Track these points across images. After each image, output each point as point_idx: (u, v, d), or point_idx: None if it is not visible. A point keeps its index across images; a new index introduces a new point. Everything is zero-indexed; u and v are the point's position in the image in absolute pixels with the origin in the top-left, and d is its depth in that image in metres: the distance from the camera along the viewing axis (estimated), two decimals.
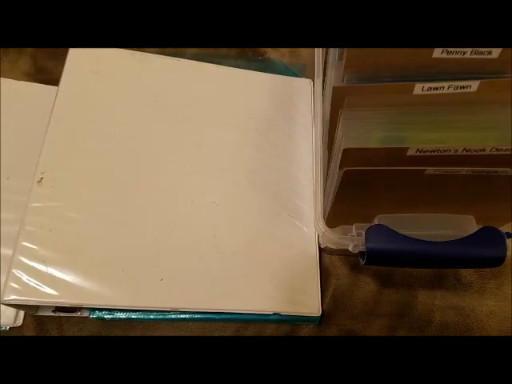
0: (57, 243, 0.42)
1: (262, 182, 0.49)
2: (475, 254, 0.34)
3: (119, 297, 0.41)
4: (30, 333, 0.45)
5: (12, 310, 0.45)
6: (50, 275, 0.41)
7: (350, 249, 0.36)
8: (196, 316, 0.45)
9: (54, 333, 0.46)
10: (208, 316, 0.45)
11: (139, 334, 0.46)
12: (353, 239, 0.35)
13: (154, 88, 0.51)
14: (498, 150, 0.28)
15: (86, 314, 0.46)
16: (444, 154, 0.28)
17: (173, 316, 0.45)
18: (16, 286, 0.40)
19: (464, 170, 0.28)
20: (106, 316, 0.45)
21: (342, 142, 0.29)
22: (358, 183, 0.32)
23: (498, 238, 0.34)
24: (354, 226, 0.37)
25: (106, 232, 0.43)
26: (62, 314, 0.46)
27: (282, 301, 0.45)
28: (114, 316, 0.45)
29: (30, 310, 0.44)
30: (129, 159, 0.47)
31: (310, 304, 0.46)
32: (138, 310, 0.45)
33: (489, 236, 0.35)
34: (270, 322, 0.46)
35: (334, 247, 0.36)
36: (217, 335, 0.45)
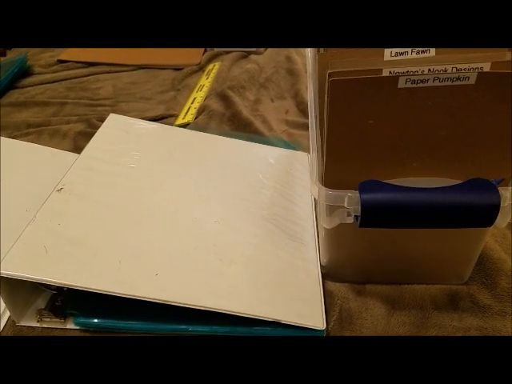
0: (61, 235, 0.42)
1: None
2: (469, 200, 0.35)
3: (113, 285, 0.39)
4: None
5: None
6: (50, 259, 0.40)
7: (345, 203, 0.36)
8: (181, 326, 0.42)
9: None
10: (201, 328, 0.42)
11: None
12: (347, 193, 0.36)
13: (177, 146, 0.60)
14: (457, 70, 0.33)
15: (70, 324, 0.43)
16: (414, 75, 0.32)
17: (153, 326, 0.42)
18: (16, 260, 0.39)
19: (430, 77, 0.32)
20: (91, 322, 0.42)
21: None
22: (347, 103, 0.34)
23: (489, 186, 0.35)
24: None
25: (110, 230, 0.44)
26: (45, 325, 0.43)
27: (282, 309, 0.42)
28: (100, 324, 0.42)
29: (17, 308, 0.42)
30: (144, 183, 0.51)
31: (314, 316, 0.42)
32: (125, 319, 0.42)
33: (479, 184, 0.35)
34: (270, 335, 0.41)
35: (330, 203, 0.36)
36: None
